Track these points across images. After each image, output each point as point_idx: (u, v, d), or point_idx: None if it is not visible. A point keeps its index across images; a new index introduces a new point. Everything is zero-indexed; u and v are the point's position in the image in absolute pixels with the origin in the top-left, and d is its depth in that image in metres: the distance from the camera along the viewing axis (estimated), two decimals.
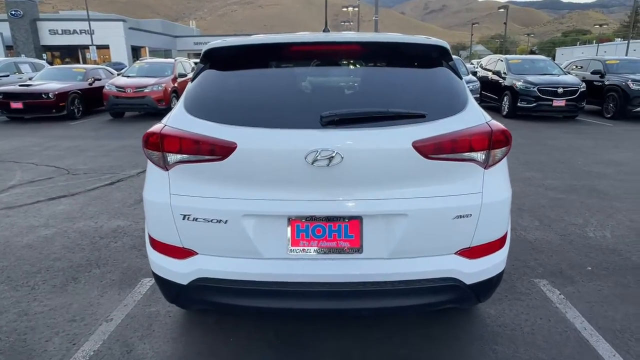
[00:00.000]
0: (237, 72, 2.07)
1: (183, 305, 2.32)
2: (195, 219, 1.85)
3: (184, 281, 1.95)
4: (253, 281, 1.87)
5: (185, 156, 1.85)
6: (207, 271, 1.91)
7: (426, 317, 2.57)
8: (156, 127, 1.95)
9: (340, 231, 1.84)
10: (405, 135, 1.79)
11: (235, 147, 1.78)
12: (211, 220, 1.84)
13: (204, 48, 2.07)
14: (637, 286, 2.99)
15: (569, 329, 2.50)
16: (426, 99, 1.91)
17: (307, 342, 2.38)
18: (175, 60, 13.78)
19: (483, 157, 1.85)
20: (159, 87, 11.84)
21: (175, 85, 12.48)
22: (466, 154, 1.82)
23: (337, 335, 2.42)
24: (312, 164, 1.74)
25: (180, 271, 1.96)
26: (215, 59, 2.08)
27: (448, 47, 2.03)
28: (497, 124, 1.89)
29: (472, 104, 1.93)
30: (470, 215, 1.85)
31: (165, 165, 1.90)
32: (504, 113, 11.86)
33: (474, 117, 1.88)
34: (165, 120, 2.00)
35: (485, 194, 1.87)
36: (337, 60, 2.05)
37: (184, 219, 1.87)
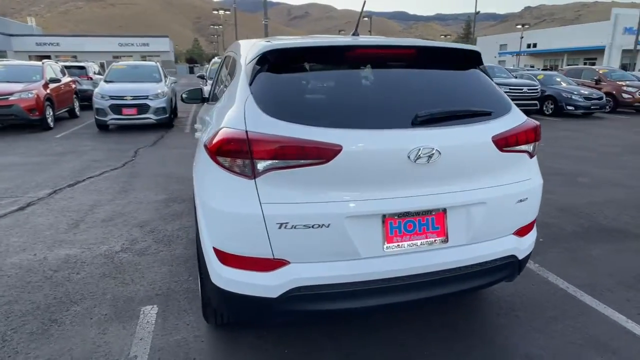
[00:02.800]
0: (312, 74, 2.02)
1: (264, 321, 2.18)
2: (293, 227, 1.76)
3: (274, 294, 1.84)
4: (350, 283, 1.86)
5: (280, 162, 1.75)
6: (304, 279, 1.83)
7: (447, 305, 2.79)
8: (230, 133, 1.80)
9: (428, 224, 1.94)
10: (486, 131, 1.99)
11: (341, 150, 1.75)
12: (312, 226, 1.77)
13: (264, 48, 1.96)
14: (581, 250, 3.67)
15: (557, 290, 2.98)
16: (482, 100, 2.13)
17: (354, 347, 2.42)
18: (43, 63, 11.93)
19: (531, 148, 2.14)
20: (30, 95, 10.15)
21: (48, 92, 10.82)
22: (524, 146, 2.09)
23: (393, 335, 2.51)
24: (415, 161, 1.82)
25: (269, 284, 1.84)
26: (282, 60, 1.99)
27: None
28: (535, 121, 2.20)
29: (513, 104, 2.21)
30: (527, 198, 2.13)
31: (254, 173, 1.77)
32: None
33: (520, 115, 2.16)
34: (233, 123, 1.85)
35: (532, 179, 2.17)
36: (402, 63, 2.14)
37: (280, 227, 1.76)
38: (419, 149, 1.82)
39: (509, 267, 2.19)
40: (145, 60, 18.11)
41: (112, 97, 9.95)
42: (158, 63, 12.63)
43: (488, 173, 2.03)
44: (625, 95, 14.84)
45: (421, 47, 2.11)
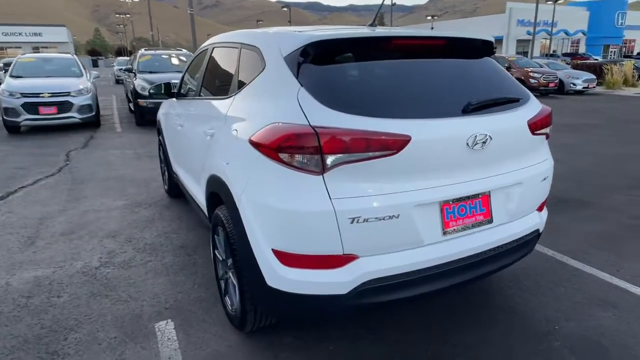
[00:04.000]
0: (359, 65, 1.95)
1: (330, 318, 2.16)
2: (365, 220, 1.71)
3: (344, 290, 1.78)
4: (416, 270, 1.87)
5: (350, 155, 1.68)
6: (373, 272, 1.79)
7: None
8: (294, 127, 1.70)
9: (476, 207, 2.00)
10: (522, 116, 2.11)
11: (410, 140, 1.73)
12: (383, 218, 1.73)
13: (309, 39, 1.86)
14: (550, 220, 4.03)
15: (547, 257, 3.26)
16: (508, 87, 2.23)
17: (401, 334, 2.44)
18: None
19: (548, 131, 2.29)
20: None
21: None
22: (546, 129, 2.24)
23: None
24: (473, 147, 1.86)
25: (338, 280, 1.77)
26: (327, 51, 1.91)
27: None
28: (548, 107, 2.36)
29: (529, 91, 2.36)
30: (547, 177, 2.30)
31: (323, 168, 1.68)
32: None
33: (537, 101, 2.31)
34: (288, 117, 1.75)
35: (549, 159, 2.34)
36: (436, 53, 2.16)
37: (352, 222, 1.70)
38: (476, 136, 1.87)
39: (534, 240, 2.35)
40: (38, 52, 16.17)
41: (24, 95, 8.80)
42: (75, 56, 11.44)
43: (523, 155, 2.15)
44: (532, 80, 16.47)
45: (450, 38, 2.16)
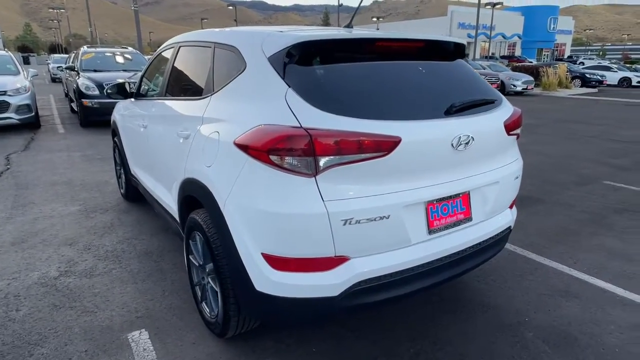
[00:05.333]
0: (345, 66, 1.94)
1: (319, 321, 2.18)
2: (357, 222, 1.72)
3: (335, 292, 1.78)
4: (405, 269, 1.90)
5: (343, 157, 1.68)
6: (364, 273, 1.80)
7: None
8: (285, 129, 1.68)
9: (457, 206, 2.08)
10: (499, 117, 2.21)
11: (400, 141, 1.76)
12: (374, 219, 1.75)
13: (296, 39, 1.84)
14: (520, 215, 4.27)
15: (509, 252, 3.45)
16: (483, 89, 2.32)
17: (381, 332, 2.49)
18: None
19: (519, 131, 2.42)
20: None
21: None
22: (518, 130, 2.36)
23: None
24: (457, 148, 1.93)
25: (330, 283, 1.77)
26: (314, 52, 1.89)
27: None
28: (518, 108, 2.49)
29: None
30: (519, 176, 2.42)
31: (315, 170, 1.68)
32: None
33: (509, 103, 2.43)
34: (277, 119, 1.73)
35: (519, 158, 2.48)
36: (417, 55, 2.19)
37: (344, 224, 1.70)
38: (460, 137, 1.94)
39: (506, 237, 2.48)
40: None
41: None
42: (9, 52, 10.59)
43: (498, 155, 2.26)
44: None
45: (428, 40, 2.23)
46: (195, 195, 2.21)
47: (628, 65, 33.48)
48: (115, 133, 4.47)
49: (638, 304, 2.75)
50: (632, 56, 74.79)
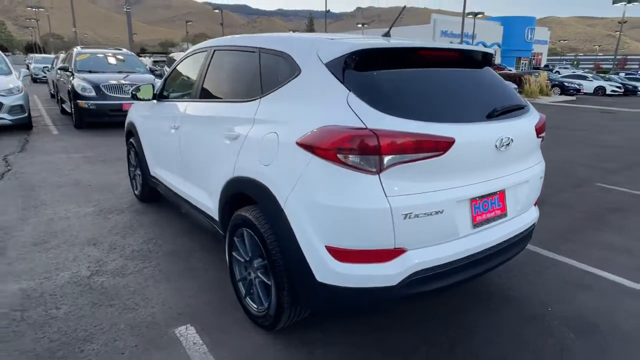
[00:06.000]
0: (397, 73, 2.08)
1: (375, 309, 2.28)
2: (416, 216, 1.86)
3: (394, 282, 1.90)
4: (454, 260, 2.04)
5: (404, 156, 1.82)
6: (420, 264, 1.94)
7: None
8: (354, 130, 1.81)
9: (495, 202, 2.23)
10: (531, 121, 2.40)
11: (454, 142, 1.90)
12: (430, 214, 1.89)
13: (353, 47, 1.99)
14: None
15: (527, 250, 3.61)
16: (512, 95, 2.50)
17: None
18: None
19: (544, 135, 2.60)
20: None
21: None
22: (544, 133, 2.54)
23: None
24: (499, 149, 2.08)
25: (389, 273, 1.90)
26: (369, 60, 2.04)
27: None
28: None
29: None
30: (542, 176, 2.61)
31: (380, 168, 1.80)
32: None
33: (534, 109, 2.61)
34: (342, 120, 1.85)
35: (542, 160, 2.66)
36: (454, 63, 2.36)
37: (405, 218, 1.84)
38: (502, 139, 2.10)
39: (531, 233, 2.65)
40: None
41: None
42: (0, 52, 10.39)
43: (529, 156, 2.44)
44: None
45: (463, 50, 2.40)
46: (247, 193, 2.30)
47: (602, 75, 34.83)
48: (131, 134, 4.50)
49: None
50: (603, 66, 77.72)
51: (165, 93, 3.78)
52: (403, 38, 2.57)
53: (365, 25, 60.17)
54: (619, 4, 37.33)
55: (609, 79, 29.90)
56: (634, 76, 34.33)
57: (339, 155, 1.82)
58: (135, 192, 4.70)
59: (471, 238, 2.13)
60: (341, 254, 1.90)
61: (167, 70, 12.68)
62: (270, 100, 2.31)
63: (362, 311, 2.32)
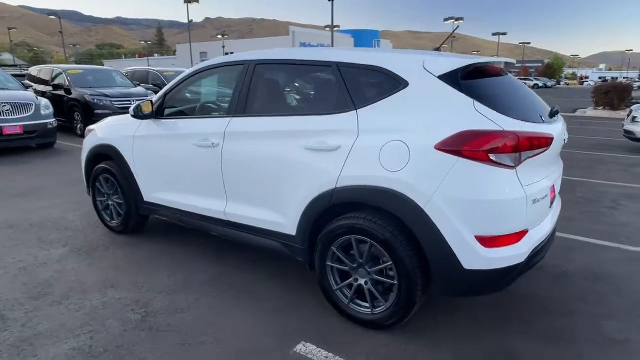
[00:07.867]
0: (492, 80, 2.47)
1: (504, 287, 2.44)
2: (537, 201, 2.27)
3: (523, 259, 2.25)
4: (545, 237, 2.49)
5: (532, 152, 2.21)
6: (536, 241, 2.35)
7: None
8: (498, 132, 2.12)
9: (551, 190, 2.69)
10: (562, 121, 2.92)
11: (553, 138, 2.35)
12: (543, 198, 2.33)
13: (463, 62, 2.32)
14: None
15: None
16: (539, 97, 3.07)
17: None
18: None
19: None
20: None
21: None
22: None
23: None
24: (565, 143, 2.62)
25: (520, 252, 2.25)
26: (473, 72, 2.38)
27: None
28: None
29: None
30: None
31: (518, 163, 2.15)
32: (79, 133, 9.92)
33: None
34: (477, 124, 2.15)
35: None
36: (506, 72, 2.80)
37: (533, 203, 2.22)
38: (565, 134, 2.64)
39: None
40: None
41: None
42: None
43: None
44: None
45: (507, 62, 2.87)
46: (362, 201, 2.41)
47: None
48: (104, 159, 3.99)
49: None
50: None
51: (169, 111, 3.50)
52: (455, 55, 2.91)
53: (226, 37, 59.70)
54: (448, 22, 44.53)
55: None
56: None
57: (490, 156, 2.11)
58: (111, 224, 4.15)
59: (549, 217, 2.62)
60: (489, 241, 2.19)
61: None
62: (376, 111, 2.43)
63: (501, 289, 2.54)
